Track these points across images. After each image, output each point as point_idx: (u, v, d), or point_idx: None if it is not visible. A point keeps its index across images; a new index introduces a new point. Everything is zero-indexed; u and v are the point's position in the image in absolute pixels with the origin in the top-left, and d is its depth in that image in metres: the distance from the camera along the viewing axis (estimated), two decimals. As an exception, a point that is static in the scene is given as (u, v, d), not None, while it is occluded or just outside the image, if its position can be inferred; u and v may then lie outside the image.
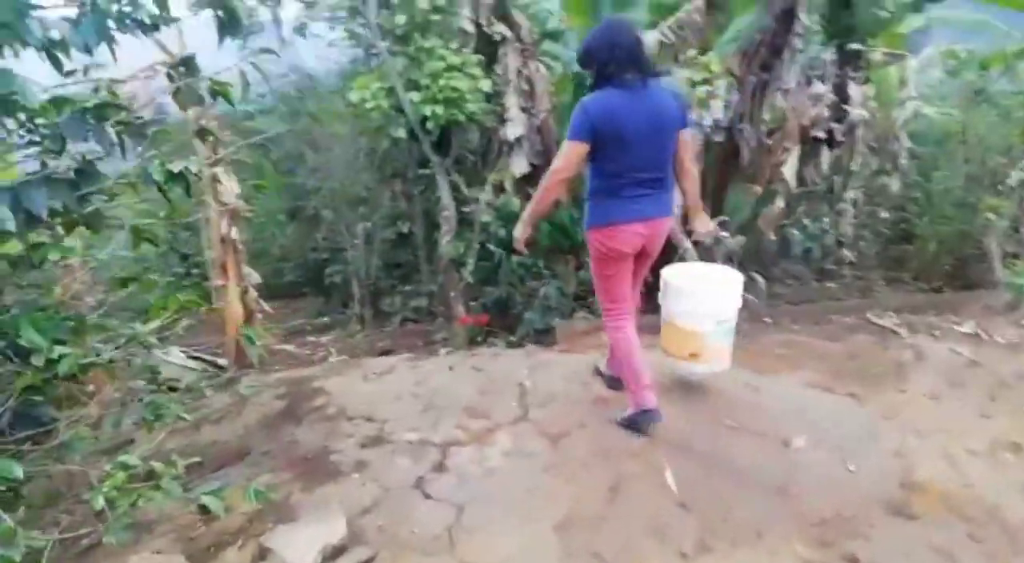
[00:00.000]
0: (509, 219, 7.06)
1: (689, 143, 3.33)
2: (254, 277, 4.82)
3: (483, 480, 2.89)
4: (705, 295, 3.46)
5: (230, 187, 4.59)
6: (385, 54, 6.91)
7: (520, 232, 3.45)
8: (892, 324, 4.47)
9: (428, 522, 2.62)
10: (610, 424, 3.34)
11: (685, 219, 3.92)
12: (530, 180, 7.81)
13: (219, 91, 2.70)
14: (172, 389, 6.09)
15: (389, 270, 9.76)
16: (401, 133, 6.93)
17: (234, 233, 4.60)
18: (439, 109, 6.58)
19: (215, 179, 4.53)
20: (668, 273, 3.63)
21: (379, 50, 7.05)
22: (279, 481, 2.89)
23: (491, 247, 7.19)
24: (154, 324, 2.70)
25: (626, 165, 3.10)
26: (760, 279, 5.99)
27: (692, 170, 3.41)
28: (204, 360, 5.76)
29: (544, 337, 6.16)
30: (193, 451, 3.43)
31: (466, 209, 7.50)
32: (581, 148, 3.10)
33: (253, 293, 4.80)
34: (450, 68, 6.63)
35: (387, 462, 2.99)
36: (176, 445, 3.56)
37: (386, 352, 8.01)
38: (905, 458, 3.05)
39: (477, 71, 6.90)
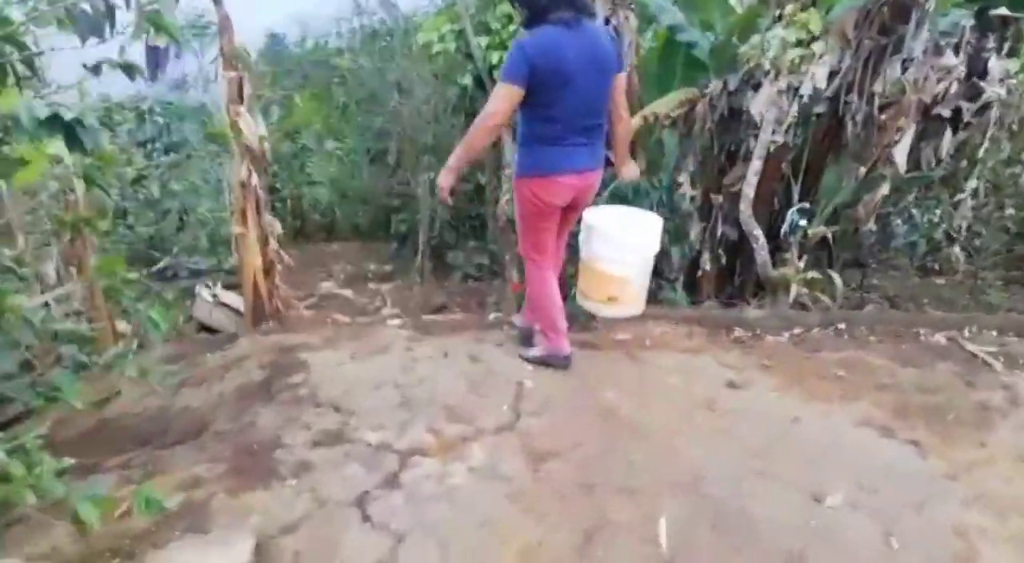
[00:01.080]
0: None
1: (623, 87, 3.14)
2: (276, 226, 4.46)
3: (436, 504, 2.42)
4: (629, 238, 3.43)
5: (253, 129, 4.20)
6: (457, -7, 6.37)
7: (444, 179, 3.18)
8: (986, 352, 3.64)
9: (355, 553, 2.19)
10: (609, 450, 2.80)
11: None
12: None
13: (158, 24, 2.19)
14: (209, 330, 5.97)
15: (458, 223, 9.36)
16: (468, 81, 6.39)
17: (254, 179, 4.23)
18: (506, 56, 5.98)
19: (236, 118, 4.14)
20: (591, 216, 3.53)
21: (452, -12, 6.51)
22: (210, 477, 2.53)
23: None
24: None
25: (565, 109, 2.91)
26: (838, 279, 5.18)
27: (626, 116, 3.27)
28: (231, 308, 5.54)
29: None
30: (157, 420, 3.15)
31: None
32: (517, 91, 2.87)
33: (274, 244, 4.44)
34: (525, 12, 6.00)
35: (334, 468, 2.57)
36: (145, 409, 3.28)
37: (439, 308, 7.67)
38: (967, 541, 2.37)
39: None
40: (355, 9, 10.00)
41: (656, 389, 3.24)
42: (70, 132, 1.89)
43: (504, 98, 2.89)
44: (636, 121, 6.10)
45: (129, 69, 2.17)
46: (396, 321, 6.94)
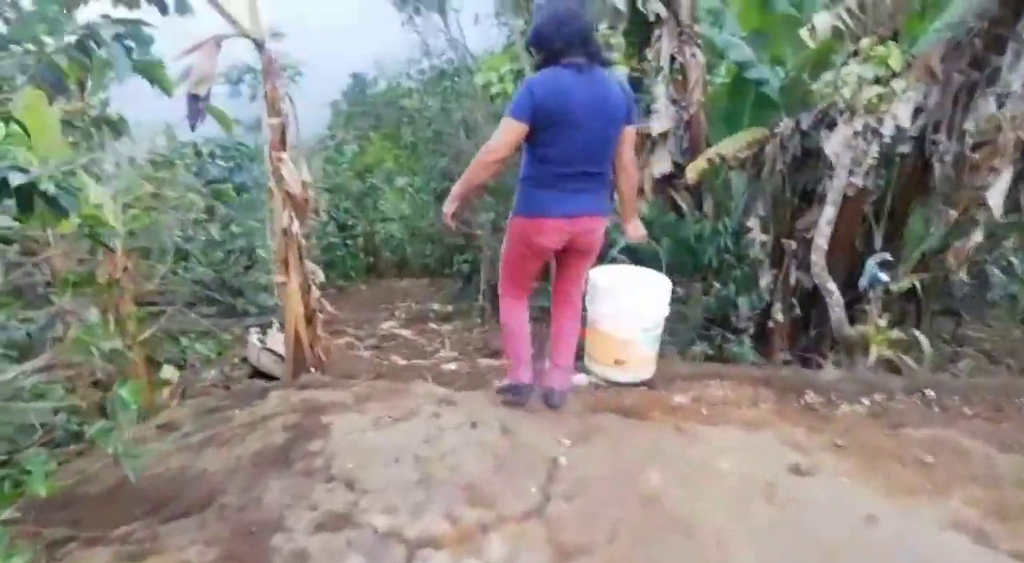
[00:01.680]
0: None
1: (632, 141, 3.03)
2: (318, 275, 4.28)
3: (443, 611, 2.10)
4: (633, 300, 3.32)
5: (295, 174, 4.05)
6: (517, 33, 6.16)
7: (447, 207, 3.18)
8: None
9: None
10: (648, 546, 2.42)
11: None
12: (672, 181, 6.82)
13: (151, 76, 2.01)
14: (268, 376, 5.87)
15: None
16: (525, 122, 6.14)
17: (295, 226, 4.06)
18: (565, 97, 5.72)
19: (278, 164, 4.00)
20: (596, 275, 3.45)
21: (511, 27, 6.30)
22: None
23: (615, 254, 6.28)
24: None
25: (564, 151, 2.83)
26: (925, 342, 4.63)
27: (632, 170, 3.13)
28: (276, 354, 5.40)
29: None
30: (173, 483, 2.96)
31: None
32: (520, 128, 2.80)
33: (316, 292, 4.25)
34: (583, 51, 5.74)
35: (332, 560, 2.29)
36: (167, 469, 3.10)
37: (497, 353, 7.39)
38: None
39: (616, 57, 5.95)
40: (424, 50, 10.00)
41: (707, 472, 2.84)
42: (23, 196, 1.70)
43: (505, 133, 2.82)
44: (701, 163, 5.74)
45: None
46: (452, 365, 6.74)
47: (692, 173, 5.46)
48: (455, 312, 9.04)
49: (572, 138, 2.81)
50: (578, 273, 3.30)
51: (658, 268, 5.59)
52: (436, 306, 10.01)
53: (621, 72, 4.70)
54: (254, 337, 5.78)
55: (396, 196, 12.31)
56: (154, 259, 5.67)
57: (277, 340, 6.23)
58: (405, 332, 8.43)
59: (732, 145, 5.40)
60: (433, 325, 8.73)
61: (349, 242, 11.99)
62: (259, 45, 3.96)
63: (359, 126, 12.07)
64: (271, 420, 3.31)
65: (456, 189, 3.12)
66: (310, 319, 4.32)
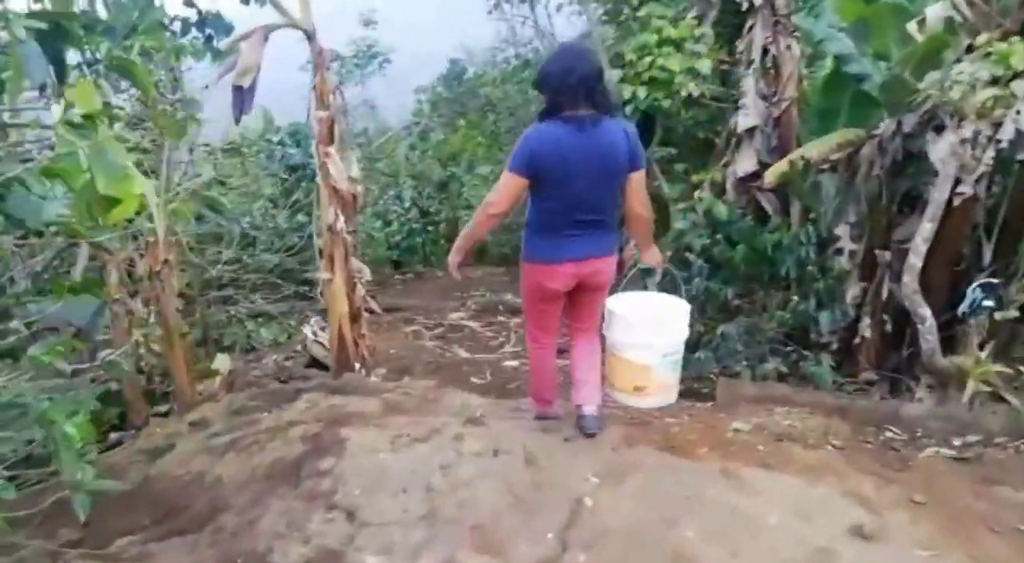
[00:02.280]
0: (716, 228, 5.67)
1: (640, 187, 2.96)
2: (365, 273, 4.10)
3: None
4: (651, 326, 3.24)
5: (342, 170, 3.86)
6: (595, 22, 5.78)
7: (452, 258, 3.17)
8: None
9: None
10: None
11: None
12: (756, 180, 6.31)
13: (128, 71, 1.81)
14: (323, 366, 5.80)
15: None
16: (599, 115, 5.77)
17: (341, 223, 3.88)
18: (640, 91, 5.32)
19: (325, 160, 3.82)
20: (613, 303, 3.37)
21: (591, 16, 5.92)
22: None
23: (690, 257, 5.85)
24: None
25: (565, 204, 2.84)
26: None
27: (643, 215, 3.06)
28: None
29: (708, 387, 4.81)
30: (188, 488, 2.84)
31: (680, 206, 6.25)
32: (519, 182, 2.81)
33: (361, 290, 4.07)
34: (664, 42, 5.31)
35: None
36: (187, 471, 2.99)
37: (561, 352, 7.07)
38: None
39: (701, 47, 5.49)
40: (511, 38, 9.71)
41: (752, 528, 2.45)
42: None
43: (505, 187, 2.83)
44: (782, 166, 5.24)
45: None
46: (514, 362, 6.49)
47: (771, 177, 4.97)
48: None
49: (572, 191, 2.80)
50: (591, 309, 3.26)
51: (731, 277, 5.19)
52: (508, 297, 9.76)
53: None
54: (308, 329, 5.69)
55: (479, 184, 12.13)
56: (222, 245, 5.68)
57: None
58: (473, 324, 8.23)
59: (820, 147, 4.87)
60: (502, 318, 8.49)
61: (431, 228, 11.89)
62: (309, 36, 3.78)
63: (444, 113, 11.91)
64: (293, 428, 3.16)
65: (459, 242, 3.14)
66: (355, 318, 4.15)
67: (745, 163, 6.26)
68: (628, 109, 5.49)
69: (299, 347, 6.02)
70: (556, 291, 3.03)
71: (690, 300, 5.29)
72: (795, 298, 4.83)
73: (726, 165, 6.66)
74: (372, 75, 10.43)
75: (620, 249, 3.39)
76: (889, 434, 3.72)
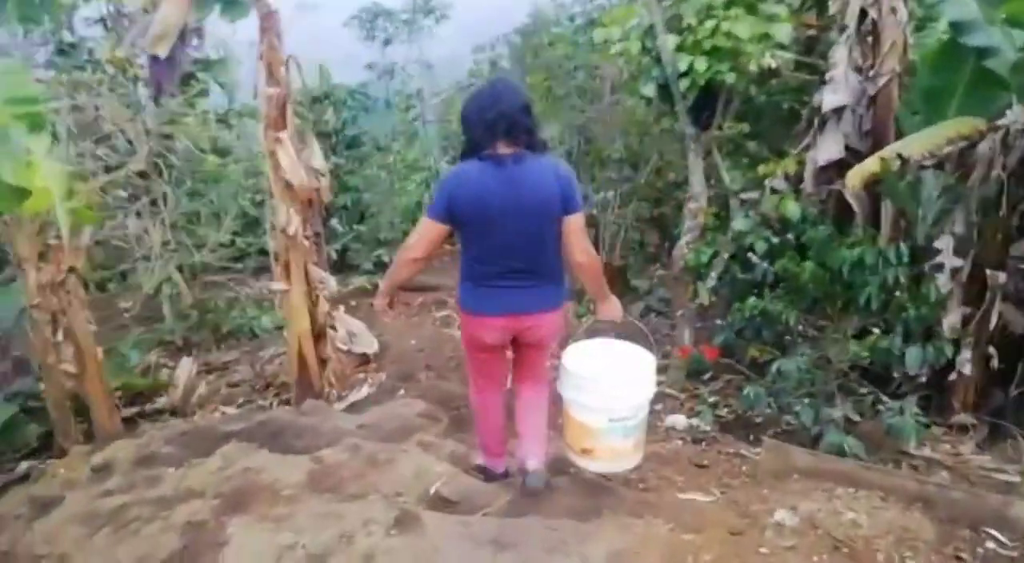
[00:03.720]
0: (784, 230, 4.59)
1: (577, 232, 2.58)
2: (329, 283, 3.27)
3: None
4: (601, 386, 2.74)
5: (296, 163, 3.00)
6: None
7: (377, 301, 2.94)
8: None
9: None
10: None
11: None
12: (841, 171, 5.14)
13: None
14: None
15: (637, 248, 7.69)
16: (651, 90, 4.69)
17: (296, 225, 3.05)
18: (700, 63, 4.21)
19: (275, 147, 2.97)
20: (568, 354, 2.91)
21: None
22: None
23: (753, 258, 4.81)
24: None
25: (491, 253, 2.58)
26: None
27: (584, 264, 2.66)
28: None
29: (759, 431, 3.84)
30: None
31: (744, 197, 5.14)
32: (438, 228, 2.55)
33: (324, 305, 3.25)
34: (731, 3, 4.15)
35: None
36: (46, 554, 2.28)
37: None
38: None
39: (781, 9, 4.31)
40: (581, -6, 8.54)
41: None
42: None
43: (421, 232, 2.60)
44: (871, 165, 4.06)
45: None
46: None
47: (856, 179, 3.83)
48: (573, 289, 7.80)
49: (495, 238, 2.54)
50: (533, 363, 2.94)
51: (796, 297, 4.10)
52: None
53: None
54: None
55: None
56: (215, 226, 4.98)
57: (342, 320, 5.39)
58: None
59: (925, 141, 3.70)
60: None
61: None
62: (256, -5, 2.90)
63: (504, 73, 10.85)
64: (184, 506, 2.40)
65: (382, 286, 2.90)
66: (319, 336, 3.34)
67: (828, 149, 5.11)
68: (684, 84, 4.39)
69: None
70: (489, 344, 2.77)
71: (745, 323, 4.31)
72: (875, 331, 3.73)
73: (806, 150, 5.49)
74: (422, 31, 9.46)
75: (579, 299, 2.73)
76: (991, 545, 2.72)
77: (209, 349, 5.31)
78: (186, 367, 3.98)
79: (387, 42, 8.90)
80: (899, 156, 3.70)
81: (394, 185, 9.24)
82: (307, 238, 3.17)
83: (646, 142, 6.78)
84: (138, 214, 4.78)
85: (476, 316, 2.73)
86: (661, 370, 5.46)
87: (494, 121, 2.44)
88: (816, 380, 3.98)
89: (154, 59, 2.68)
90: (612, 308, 2.92)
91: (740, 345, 4.52)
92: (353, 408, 3.93)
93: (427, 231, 2.57)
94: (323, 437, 2.93)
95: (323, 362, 3.43)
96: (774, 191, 4.95)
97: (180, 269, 4.85)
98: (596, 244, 7.41)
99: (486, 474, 3.04)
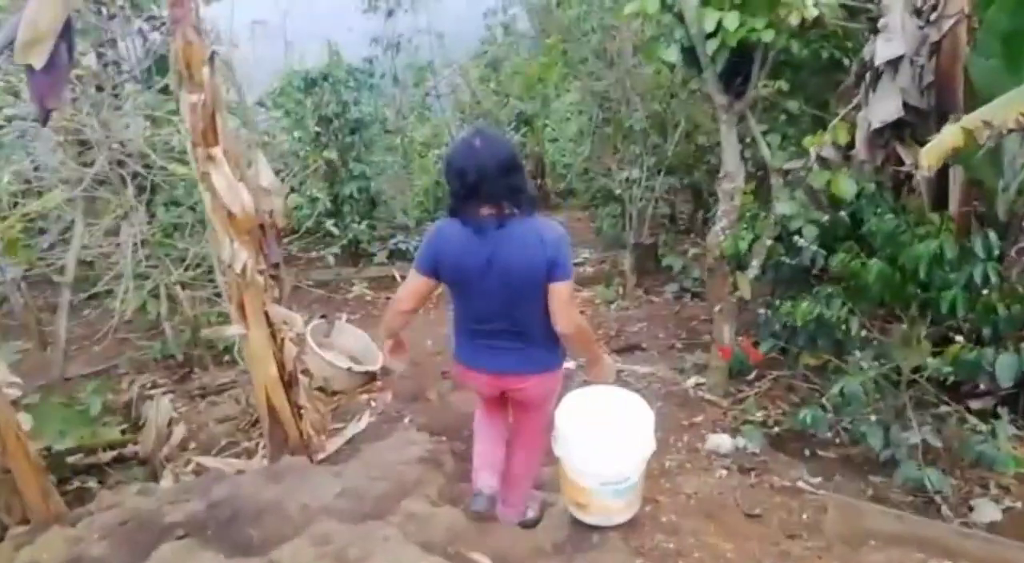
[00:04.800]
0: (835, 215, 3.87)
1: (562, 301, 2.32)
2: (295, 323, 2.67)
3: None
4: (590, 450, 2.55)
5: (236, 186, 2.38)
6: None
7: (385, 355, 2.73)
8: None
9: None
10: None
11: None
12: (899, 132, 4.35)
13: None
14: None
15: (668, 222, 6.93)
16: (674, 55, 3.92)
17: (244, 260, 2.44)
18: (730, 19, 3.43)
19: (207, 169, 2.34)
20: (562, 409, 2.67)
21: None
22: None
23: (801, 242, 4.09)
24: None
25: (471, 313, 2.46)
26: None
27: (570, 332, 2.38)
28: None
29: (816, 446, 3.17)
30: None
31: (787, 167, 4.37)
32: (423, 282, 2.42)
33: (292, 348, 2.66)
34: (764, -57, 3.35)
35: None
36: None
37: (630, 348, 5.47)
38: None
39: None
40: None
41: None
42: None
43: (409, 286, 2.46)
44: (950, 138, 3.23)
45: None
46: (570, 363, 5.00)
47: (932, 158, 3.03)
48: (600, 274, 7.11)
49: (477, 301, 2.39)
50: (521, 422, 2.80)
51: (858, 297, 3.36)
52: (586, 254, 8.17)
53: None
54: (310, 335, 4.37)
55: (567, 116, 10.30)
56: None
57: (345, 332, 4.81)
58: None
59: (1013, 105, 2.88)
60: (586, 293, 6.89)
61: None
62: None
63: (519, 38, 9.99)
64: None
65: (382, 334, 2.79)
66: (290, 383, 2.74)
67: (884, 108, 4.30)
68: (712, 45, 3.61)
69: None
70: (479, 393, 2.74)
71: (796, 330, 3.59)
72: (959, 339, 3.00)
73: (855, 110, 4.67)
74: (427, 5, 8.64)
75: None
76: None
77: (206, 367, 4.78)
78: (162, 409, 3.44)
79: (390, 13, 8.13)
80: (985, 124, 2.89)
81: (408, 167, 8.57)
82: (262, 272, 2.54)
83: (672, 105, 5.97)
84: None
85: (462, 366, 2.63)
86: (699, 370, 4.80)
87: (474, 185, 2.22)
88: (884, 394, 3.27)
89: (30, 70, 2.04)
90: (604, 372, 2.70)
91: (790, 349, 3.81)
92: (343, 454, 3.37)
93: (414, 285, 2.45)
94: (287, 521, 2.37)
95: (298, 411, 2.84)
96: (822, 161, 4.15)
97: (156, 290, 4.29)
98: (623, 222, 6.69)
99: (474, 503, 2.79)
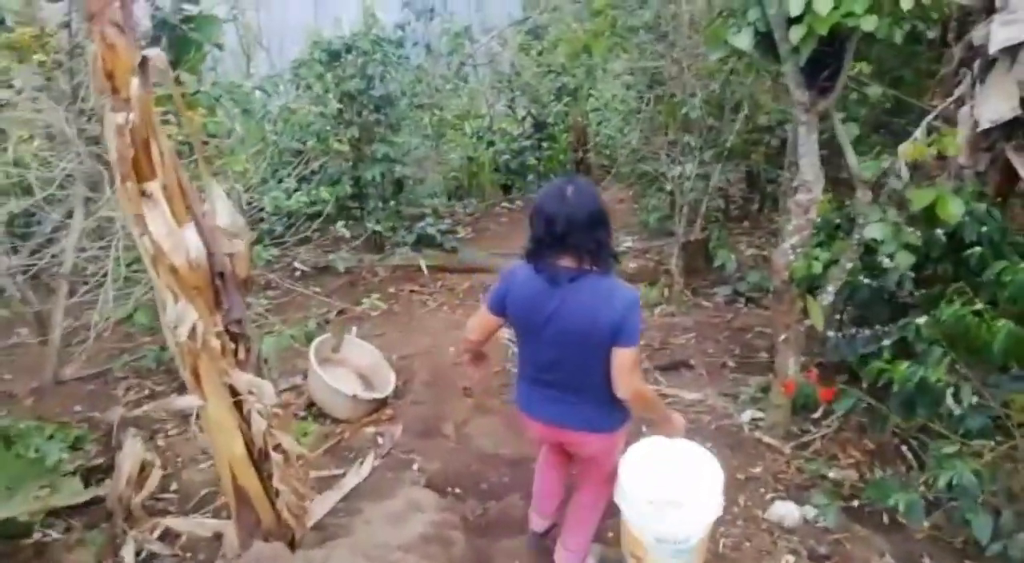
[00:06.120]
0: (929, 224, 3.21)
1: (625, 366, 2.21)
2: (264, 393, 2.13)
3: None
4: (648, 507, 2.47)
5: (176, 232, 1.81)
6: None
7: (466, 367, 2.83)
8: None
9: None
10: None
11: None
12: (1010, 133, 3.65)
13: None
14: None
15: (722, 217, 6.17)
16: (745, 39, 3.19)
17: (193, 321, 1.89)
18: (822, 3, 2.68)
19: (139, 212, 1.77)
20: (628, 458, 2.58)
21: None
22: None
23: (886, 263, 3.46)
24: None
25: (534, 360, 2.41)
26: None
27: (630, 398, 2.29)
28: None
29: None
30: None
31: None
32: (491, 319, 2.44)
33: (260, 421, 2.13)
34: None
35: None
36: None
37: (675, 365, 4.82)
38: None
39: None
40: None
41: None
42: None
43: (478, 318, 2.50)
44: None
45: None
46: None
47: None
48: (645, 270, 6.42)
49: (537, 347, 2.34)
50: (583, 470, 2.69)
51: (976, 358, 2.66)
52: (629, 242, 7.47)
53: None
54: (312, 353, 3.86)
55: (608, 86, 9.49)
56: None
57: (355, 347, 4.30)
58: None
59: None
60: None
61: (545, 144, 9.51)
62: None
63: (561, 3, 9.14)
64: None
65: (462, 349, 2.82)
66: (260, 458, 2.20)
67: (995, 105, 3.63)
68: (797, 33, 2.87)
69: (302, 376, 4.23)
70: (534, 438, 2.79)
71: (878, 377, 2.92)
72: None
73: (957, 104, 3.91)
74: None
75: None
76: None
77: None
78: (134, 451, 2.96)
79: (429, -21, 7.41)
80: None
81: (438, 146, 7.93)
82: (219, 334, 1.98)
83: (732, 84, 5.19)
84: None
85: (521, 411, 2.57)
86: (756, 401, 4.16)
87: (562, 235, 2.16)
88: (996, 476, 2.61)
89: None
90: (671, 430, 2.58)
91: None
92: (337, 516, 2.86)
93: (482, 320, 2.48)
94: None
95: (273, 494, 2.31)
96: (914, 168, 3.42)
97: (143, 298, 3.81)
98: (672, 217, 5.98)
99: (528, 542, 2.91)
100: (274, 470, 2.28)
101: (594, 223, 2.18)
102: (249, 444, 2.24)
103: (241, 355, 2.16)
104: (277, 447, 2.25)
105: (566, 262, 2.20)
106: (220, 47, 5.48)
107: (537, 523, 2.90)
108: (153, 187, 1.82)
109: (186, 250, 1.86)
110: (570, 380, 2.33)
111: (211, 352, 2.03)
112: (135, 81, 1.74)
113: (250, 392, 2.14)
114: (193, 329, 1.95)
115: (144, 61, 1.74)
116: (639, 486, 2.48)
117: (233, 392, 2.15)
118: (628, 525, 2.60)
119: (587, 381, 2.31)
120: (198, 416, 3.02)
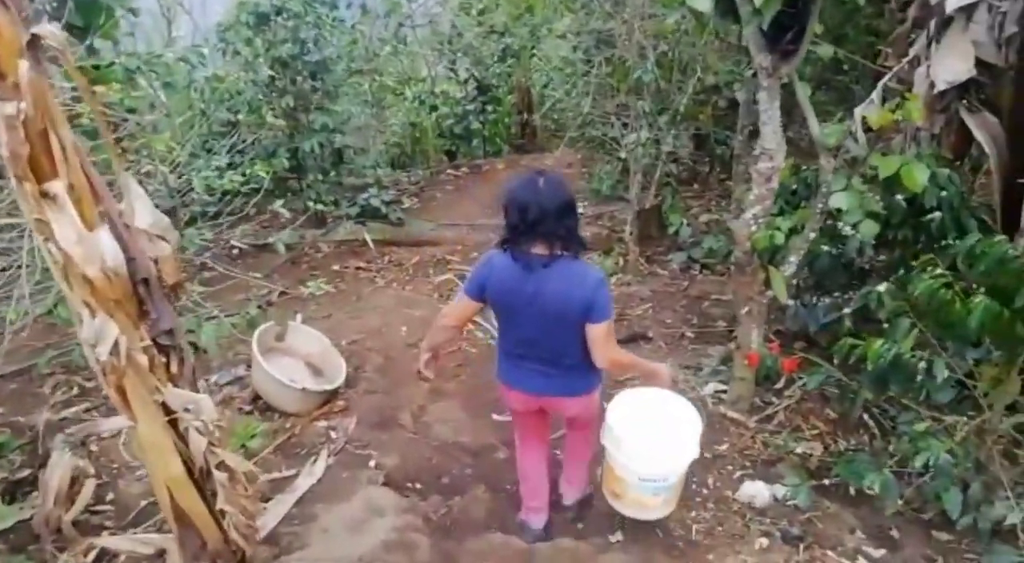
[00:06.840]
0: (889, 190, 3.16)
1: (600, 340, 2.42)
2: (203, 409, 1.93)
3: None
4: (633, 448, 2.65)
5: (89, 243, 1.55)
6: None
7: (421, 361, 2.77)
8: None
9: None
10: None
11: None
12: (964, 95, 3.66)
13: None
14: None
15: (674, 183, 6.06)
16: (702, 2, 3.03)
17: (110, 340, 1.65)
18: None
19: (40, 206, 1.51)
20: (613, 404, 2.78)
21: None
22: None
23: (846, 230, 3.43)
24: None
25: (513, 338, 2.59)
26: None
27: (609, 366, 2.55)
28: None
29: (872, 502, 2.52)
30: None
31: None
32: (470, 304, 2.57)
33: (200, 440, 1.93)
34: None
35: None
36: None
37: (633, 338, 4.76)
38: None
39: None
40: None
41: None
42: None
43: (456, 304, 2.65)
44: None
45: None
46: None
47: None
48: (599, 238, 6.28)
49: (519, 330, 2.53)
50: (571, 436, 3.00)
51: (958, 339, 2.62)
52: (580, 210, 7.26)
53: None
54: (255, 342, 3.62)
55: (553, 47, 9.23)
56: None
57: (301, 334, 4.07)
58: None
59: None
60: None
61: (489, 107, 9.21)
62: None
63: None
64: None
65: (423, 347, 2.79)
66: (199, 482, 1.99)
67: (951, 65, 3.59)
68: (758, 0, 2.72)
69: (245, 367, 3.98)
70: (518, 411, 2.82)
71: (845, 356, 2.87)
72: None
73: (913, 65, 3.87)
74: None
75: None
76: None
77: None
78: (63, 464, 2.70)
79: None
80: None
81: (378, 113, 7.58)
82: (147, 348, 1.76)
83: (682, 44, 5.03)
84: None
85: (504, 385, 2.72)
86: (717, 373, 4.12)
87: (533, 222, 2.30)
88: (968, 451, 2.62)
89: None
90: (658, 374, 2.74)
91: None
92: (293, 522, 2.68)
93: (461, 306, 2.60)
94: None
95: (219, 517, 2.11)
96: (868, 132, 3.35)
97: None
98: (624, 182, 5.85)
99: (523, 530, 2.95)
100: (218, 490, 2.08)
101: (564, 212, 2.32)
102: (189, 463, 2.03)
103: (174, 368, 1.93)
104: (220, 465, 2.05)
105: (539, 249, 2.34)
106: (134, 12, 5.00)
107: (535, 519, 2.95)
108: (56, 188, 1.56)
109: (101, 258, 1.62)
110: (550, 355, 2.51)
111: (138, 369, 1.80)
112: (24, 63, 1.47)
113: (186, 409, 1.93)
114: (115, 345, 1.72)
115: (35, 39, 1.47)
116: (625, 429, 2.66)
117: (167, 410, 1.93)
118: (611, 463, 2.76)
119: (565, 354, 2.50)
120: (127, 438, 2.77)
